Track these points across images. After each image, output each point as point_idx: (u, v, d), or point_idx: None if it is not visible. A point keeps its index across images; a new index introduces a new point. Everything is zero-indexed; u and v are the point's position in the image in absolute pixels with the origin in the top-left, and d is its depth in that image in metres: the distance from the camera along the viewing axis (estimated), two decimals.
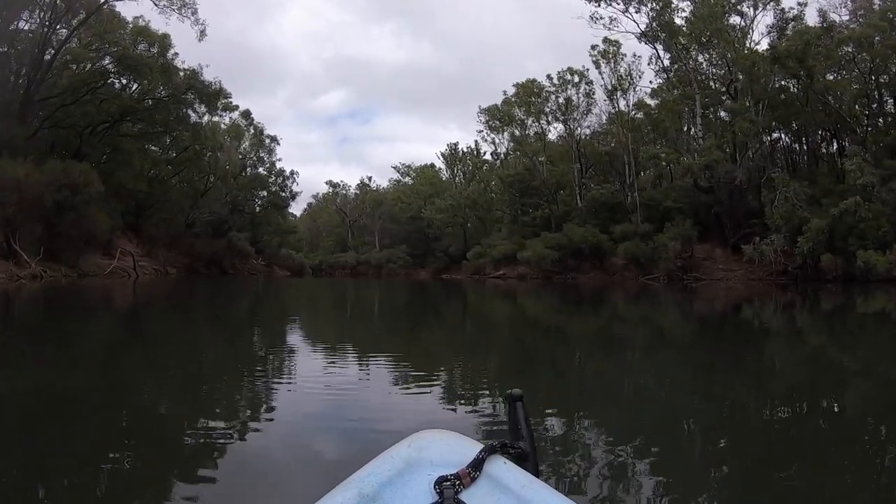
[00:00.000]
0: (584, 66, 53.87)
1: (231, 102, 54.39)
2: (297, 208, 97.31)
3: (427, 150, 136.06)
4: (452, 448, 1.32)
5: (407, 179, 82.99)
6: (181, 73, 42.65)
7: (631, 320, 15.38)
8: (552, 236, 48.39)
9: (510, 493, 1.21)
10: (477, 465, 1.24)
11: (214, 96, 45.15)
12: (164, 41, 41.03)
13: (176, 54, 43.02)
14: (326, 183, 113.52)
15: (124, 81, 41.27)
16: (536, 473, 1.34)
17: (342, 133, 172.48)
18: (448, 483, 1.19)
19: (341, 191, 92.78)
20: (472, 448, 1.30)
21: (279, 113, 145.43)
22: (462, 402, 5.04)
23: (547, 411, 4.48)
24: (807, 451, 3.87)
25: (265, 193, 67.70)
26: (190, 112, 45.31)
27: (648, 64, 49.42)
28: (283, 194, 68.28)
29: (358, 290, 32.03)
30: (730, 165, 41.34)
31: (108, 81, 39.39)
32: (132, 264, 35.45)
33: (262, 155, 66.33)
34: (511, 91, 58.94)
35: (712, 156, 39.74)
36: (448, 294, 29.49)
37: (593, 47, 51.44)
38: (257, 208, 67.92)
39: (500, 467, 1.27)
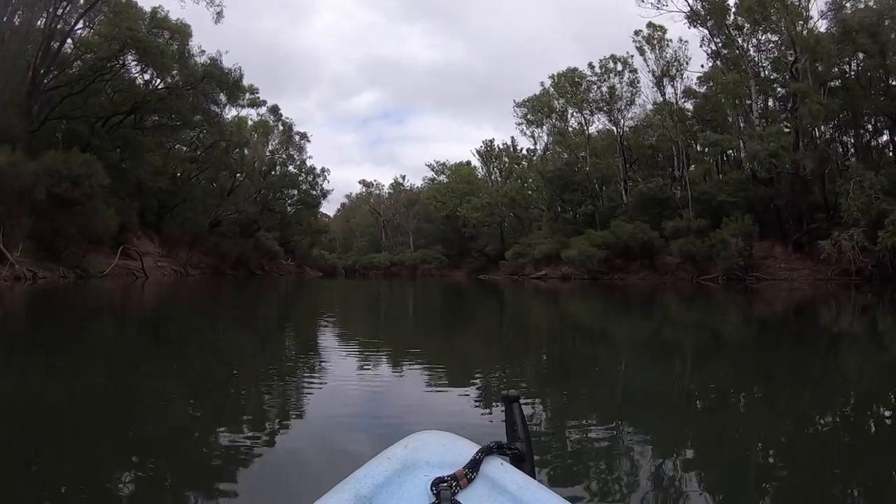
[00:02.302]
0: (627, 53, 50.95)
1: (259, 98, 52.28)
2: (330, 209, 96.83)
3: (460, 149, 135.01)
4: (449, 449, 1.31)
5: (442, 177, 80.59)
6: (196, 60, 40.35)
7: (694, 325, 13.56)
8: (598, 234, 45.58)
9: (507, 494, 1.20)
10: (474, 466, 1.23)
11: (235, 85, 42.25)
12: (183, 31, 38.72)
13: (202, 51, 41.15)
14: (360, 182, 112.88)
15: (138, 71, 39.13)
16: (533, 474, 1.32)
17: (375, 134, 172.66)
18: (445, 484, 1.18)
19: (375, 190, 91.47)
20: (469, 449, 1.30)
21: (311, 115, 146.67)
22: (498, 404, 4.66)
23: (587, 418, 4.45)
24: (874, 471, 3.44)
25: (295, 192, 65.62)
26: (213, 106, 42.69)
27: (700, 46, 46.06)
28: (314, 192, 66.25)
29: (392, 291, 30.17)
30: (796, 154, 37.71)
31: (119, 68, 37.10)
32: (140, 265, 32.98)
33: (291, 153, 64.40)
34: (548, 82, 56.54)
35: (780, 142, 36.10)
36: (487, 296, 27.30)
37: (637, 32, 48.53)
38: (288, 207, 65.94)
39: (497, 468, 1.26)
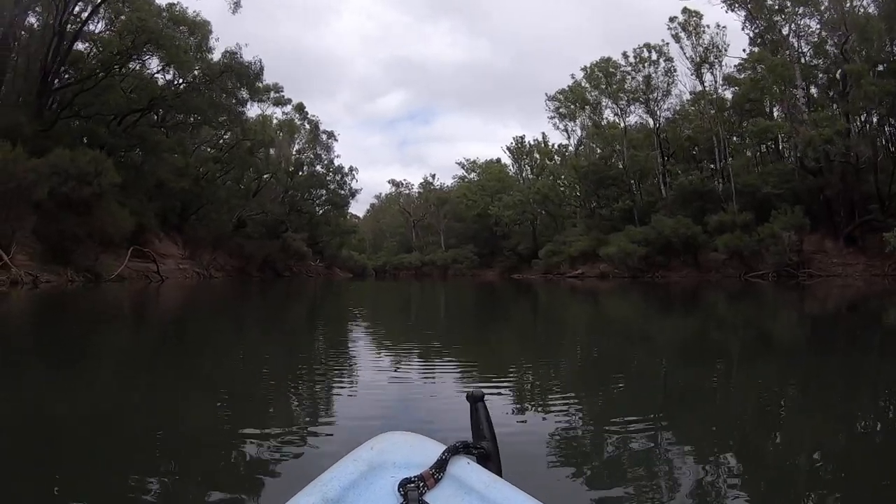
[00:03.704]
0: (663, 40, 48.78)
1: (283, 96, 51.04)
2: (359, 209, 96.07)
3: (487, 148, 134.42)
4: (415, 449, 1.32)
5: (472, 175, 79.20)
6: (215, 57, 38.98)
7: (745, 325, 12.34)
8: (638, 230, 43.56)
9: (474, 493, 1.21)
10: (440, 466, 1.24)
11: (256, 78, 40.45)
12: (202, 27, 37.49)
13: (225, 50, 39.57)
14: (389, 182, 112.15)
15: (158, 69, 37.83)
16: (500, 472, 1.33)
17: (402, 135, 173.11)
18: (412, 485, 1.19)
19: (404, 190, 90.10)
20: (435, 449, 1.30)
21: (338, 118, 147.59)
22: (532, 408, 4.62)
23: (623, 421, 4.06)
24: None
25: (323, 192, 64.44)
26: (234, 102, 40.86)
27: (742, 29, 43.84)
28: (342, 192, 64.98)
29: (423, 292, 28.68)
30: (848, 140, 35.26)
31: (132, 63, 35.80)
32: (156, 267, 31.57)
33: (319, 152, 63.11)
34: (580, 74, 54.69)
35: (835, 126, 33.72)
36: (523, 296, 25.58)
37: (672, 19, 46.36)
38: (316, 208, 64.89)
39: (464, 468, 1.27)
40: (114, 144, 32.86)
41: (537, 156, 73.50)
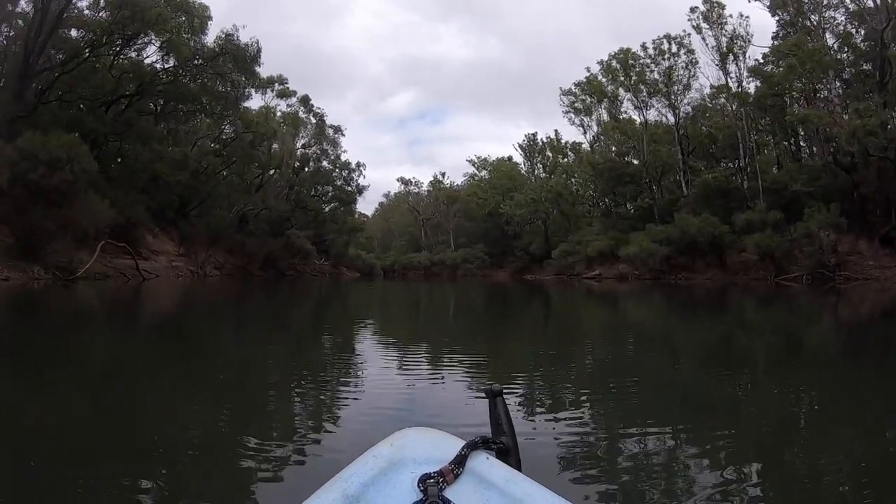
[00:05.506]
0: (684, 31, 46.63)
1: (288, 88, 48.92)
2: (368, 208, 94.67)
3: (499, 148, 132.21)
4: (434, 445, 1.31)
5: (483, 173, 77.10)
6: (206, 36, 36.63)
7: (787, 336, 10.84)
8: (660, 229, 41.29)
9: (494, 489, 1.22)
10: (460, 462, 1.24)
11: (252, 60, 37.82)
12: (201, 12, 35.29)
13: (223, 32, 37.18)
14: (398, 180, 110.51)
15: (157, 56, 35.47)
16: (519, 468, 1.32)
17: (413, 134, 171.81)
18: (431, 480, 1.19)
19: (413, 188, 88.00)
20: (454, 445, 1.30)
21: (349, 118, 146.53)
22: (544, 412, 4.44)
23: (638, 428, 3.92)
24: None
25: (330, 189, 62.43)
26: (231, 89, 38.67)
27: (773, 16, 41.72)
28: (349, 188, 62.93)
29: (432, 294, 26.92)
30: (889, 132, 32.89)
31: (118, 44, 33.12)
32: (135, 264, 28.62)
33: (325, 147, 61.08)
34: (596, 68, 52.67)
35: (881, 116, 31.40)
36: (537, 298, 23.58)
37: (692, 10, 44.17)
38: (323, 205, 62.97)
39: (483, 463, 1.27)
40: (99, 131, 30.81)
41: (549, 153, 71.82)
